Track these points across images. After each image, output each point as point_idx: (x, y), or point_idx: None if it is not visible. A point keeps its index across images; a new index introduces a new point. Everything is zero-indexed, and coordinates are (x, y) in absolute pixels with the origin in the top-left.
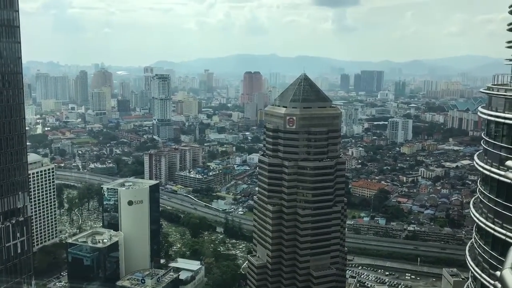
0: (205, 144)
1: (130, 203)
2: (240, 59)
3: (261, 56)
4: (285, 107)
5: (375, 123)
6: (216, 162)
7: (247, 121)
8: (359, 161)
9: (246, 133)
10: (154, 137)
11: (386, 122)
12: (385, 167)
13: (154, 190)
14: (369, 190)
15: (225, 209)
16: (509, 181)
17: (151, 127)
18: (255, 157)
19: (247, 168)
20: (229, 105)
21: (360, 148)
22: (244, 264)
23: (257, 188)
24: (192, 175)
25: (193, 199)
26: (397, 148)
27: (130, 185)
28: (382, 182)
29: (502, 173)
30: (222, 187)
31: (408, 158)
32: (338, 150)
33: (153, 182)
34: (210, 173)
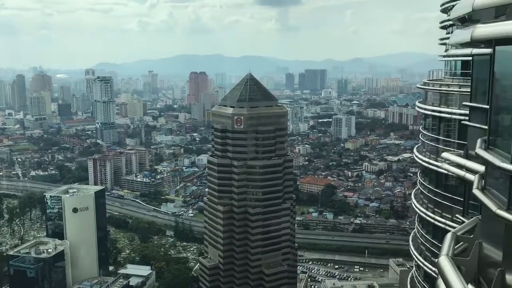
0: (152, 146)
1: (75, 210)
2: (184, 60)
3: (206, 56)
4: (233, 107)
5: (320, 120)
6: (164, 164)
7: (195, 122)
8: (306, 158)
9: (194, 134)
10: (98, 141)
11: (331, 119)
12: (331, 163)
13: (99, 196)
14: (317, 186)
15: (175, 212)
16: (445, 172)
17: (94, 131)
18: (204, 158)
19: (196, 169)
20: (175, 106)
21: (307, 145)
22: (196, 266)
23: (206, 190)
24: (139, 179)
25: (141, 203)
26: (342, 144)
27: (74, 192)
28: (329, 177)
29: (439, 164)
30: (171, 190)
31: (352, 153)
32: (285, 148)
33: (99, 187)
34: (158, 176)
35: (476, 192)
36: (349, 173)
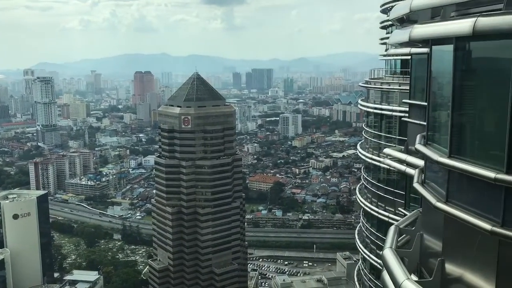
0: (96, 148)
1: (15, 216)
2: (129, 59)
3: (151, 56)
4: (179, 106)
5: (268, 119)
6: (110, 167)
7: (141, 123)
8: (255, 156)
9: (140, 135)
10: (39, 144)
11: (278, 118)
12: (279, 161)
13: (42, 201)
14: (266, 184)
15: (122, 215)
16: (387, 167)
17: (35, 134)
18: (151, 159)
19: (143, 171)
20: (120, 106)
21: (255, 144)
22: (145, 269)
23: (154, 191)
24: (83, 182)
25: (86, 207)
26: (289, 142)
27: (15, 197)
28: (277, 175)
29: (382, 160)
30: (117, 192)
31: (299, 151)
32: (234, 147)
33: (41, 192)
34: (104, 179)
35: (416, 186)
36: (297, 170)
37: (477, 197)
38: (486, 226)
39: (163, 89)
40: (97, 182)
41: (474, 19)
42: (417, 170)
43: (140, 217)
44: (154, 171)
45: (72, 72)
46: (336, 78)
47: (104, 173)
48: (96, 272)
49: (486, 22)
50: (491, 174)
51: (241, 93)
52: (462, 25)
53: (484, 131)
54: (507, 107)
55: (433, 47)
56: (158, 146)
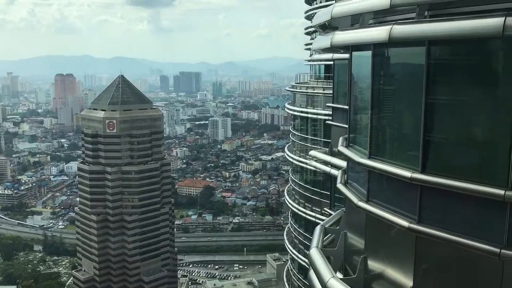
0: (14, 155)
1: None
2: (49, 61)
3: (73, 57)
4: (104, 110)
5: (197, 122)
6: (29, 174)
7: (62, 127)
8: (184, 161)
9: (62, 140)
10: None
11: (207, 121)
12: (208, 165)
13: None
14: (195, 189)
15: (43, 225)
16: (313, 168)
17: None
18: (74, 166)
19: (66, 178)
20: (39, 110)
21: (184, 148)
22: (69, 281)
23: (78, 199)
24: (0, 192)
25: (3, 218)
26: (219, 146)
27: None
28: (207, 179)
29: (308, 161)
30: (37, 201)
31: (229, 154)
32: (162, 151)
33: None
34: (22, 187)
35: (339, 186)
36: (227, 174)
37: (395, 196)
38: (404, 223)
39: (86, 92)
40: (15, 191)
41: (389, 26)
42: (340, 171)
43: (62, 226)
44: (77, 178)
45: None
46: (264, 82)
47: (23, 181)
48: (15, 287)
49: (401, 30)
50: (407, 173)
51: (169, 96)
52: (379, 32)
53: (400, 133)
54: (420, 109)
55: (353, 53)
56: (81, 152)
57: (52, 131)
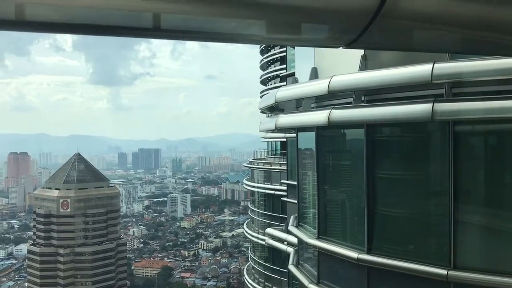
0: None
1: None
2: (4, 139)
3: (29, 135)
4: (58, 189)
5: (155, 199)
6: None
7: (13, 207)
8: (141, 240)
9: (13, 221)
10: None
11: (166, 198)
12: (167, 244)
13: None
14: (153, 269)
15: None
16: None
17: None
18: (24, 248)
19: (14, 261)
20: None
21: (142, 227)
22: None
23: (26, 284)
24: None
25: None
26: (178, 223)
27: None
28: (165, 259)
29: (265, 238)
30: None
31: (188, 232)
32: (118, 230)
33: None
34: None
35: (291, 267)
36: (186, 253)
37: (344, 277)
38: None
39: (40, 171)
40: None
41: (328, 111)
42: (292, 250)
43: None
44: (27, 261)
45: None
46: (223, 157)
47: None
48: None
49: (338, 114)
50: (354, 254)
51: (127, 174)
52: (318, 117)
53: (346, 212)
54: (363, 187)
55: (299, 133)
56: (32, 233)
57: (2, 211)
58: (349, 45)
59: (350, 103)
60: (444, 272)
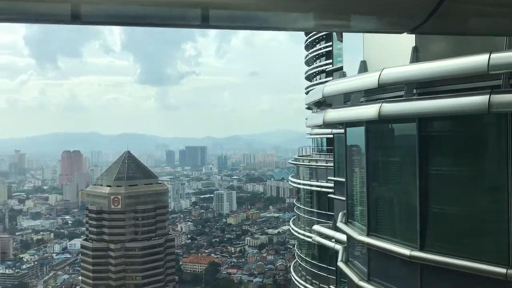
0: (17, 233)
1: None
2: (58, 138)
3: (81, 134)
4: (109, 186)
5: (202, 196)
6: (31, 252)
7: (67, 204)
8: (189, 236)
9: (66, 217)
10: None
11: (212, 195)
12: (214, 240)
13: None
14: (200, 265)
15: None
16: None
17: None
18: (77, 243)
19: (68, 255)
20: (45, 187)
21: (189, 223)
22: None
23: (80, 277)
24: (0, 271)
25: None
26: (224, 219)
27: None
28: (212, 255)
29: (312, 236)
30: (39, 280)
31: (234, 228)
32: (166, 226)
33: None
34: (24, 266)
35: (340, 264)
36: (232, 249)
37: (395, 274)
38: None
39: (92, 168)
40: (16, 270)
41: (378, 105)
42: (341, 248)
43: None
44: (80, 255)
45: None
46: (268, 155)
47: (25, 260)
48: None
49: (389, 108)
50: (406, 251)
51: (174, 171)
52: (368, 111)
53: (397, 208)
54: (415, 183)
55: (347, 128)
56: (85, 229)
57: (57, 207)
58: (414, 30)
59: (401, 96)
60: (503, 270)
